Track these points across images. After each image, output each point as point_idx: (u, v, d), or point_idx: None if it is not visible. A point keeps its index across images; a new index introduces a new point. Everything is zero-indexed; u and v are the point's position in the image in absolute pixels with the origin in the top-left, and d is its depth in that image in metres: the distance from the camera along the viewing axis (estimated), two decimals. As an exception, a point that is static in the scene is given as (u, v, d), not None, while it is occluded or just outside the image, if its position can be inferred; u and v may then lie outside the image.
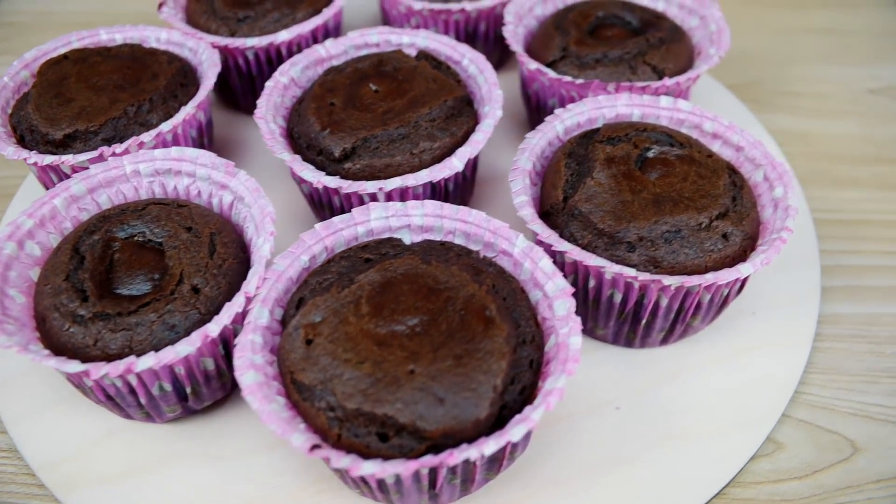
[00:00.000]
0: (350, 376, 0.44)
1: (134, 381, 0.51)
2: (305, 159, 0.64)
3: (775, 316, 0.63)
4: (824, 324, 0.65)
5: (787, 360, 0.60)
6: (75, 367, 0.47)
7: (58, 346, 0.51)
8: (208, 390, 0.54)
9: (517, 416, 0.43)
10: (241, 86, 0.81)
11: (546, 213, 0.58)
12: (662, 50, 0.72)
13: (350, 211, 0.56)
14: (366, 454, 0.43)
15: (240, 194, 0.59)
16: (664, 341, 0.60)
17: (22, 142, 0.67)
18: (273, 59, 0.78)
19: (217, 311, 0.52)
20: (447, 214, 0.55)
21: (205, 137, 0.74)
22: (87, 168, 0.62)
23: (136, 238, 0.56)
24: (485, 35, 0.85)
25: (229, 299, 0.53)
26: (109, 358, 0.50)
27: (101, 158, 0.62)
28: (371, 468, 0.41)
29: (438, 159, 0.62)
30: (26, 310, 0.54)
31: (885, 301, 0.67)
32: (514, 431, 0.42)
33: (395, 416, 0.43)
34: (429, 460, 0.41)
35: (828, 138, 0.86)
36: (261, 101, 0.66)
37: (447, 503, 0.49)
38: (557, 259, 0.56)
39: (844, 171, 0.81)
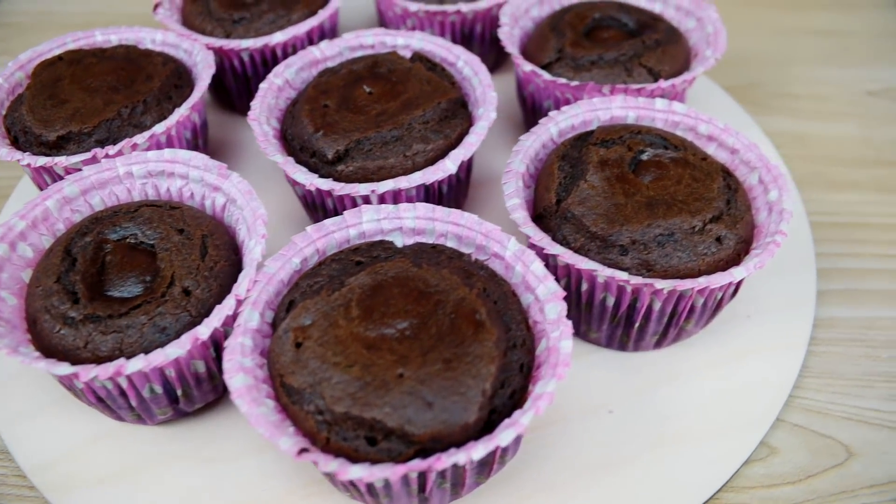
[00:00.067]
0: (339, 380, 0.44)
1: (124, 384, 0.50)
2: (299, 161, 0.64)
3: (770, 319, 0.63)
4: (820, 327, 0.65)
5: (781, 364, 0.60)
6: (65, 369, 0.47)
7: (49, 348, 0.51)
8: (199, 393, 0.54)
9: (506, 421, 0.43)
10: (236, 87, 0.81)
11: (539, 216, 0.58)
12: (658, 52, 0.72)
13: (343, 213, 0.56)
14: (354, 458, 0.43)
15: (232, 196, 0.59)
16: (658, 345, 0.60)
17: (16, 143, 0.67)
18: (268, 61, 0.78)
19: (208, 313, 0.52)
20: (439, 217, 0.55)
21: (199, 139, 0.73)
22: (80, 170, 0.62)
23: (128, 240, 0.56)
24: (481, 37, 0.85)
25: (221, 302, 0.53)
26: (100, 360, 0.50)
27: (94, 160, 0.62)
28: (359, 472, 0.40)
29: (432, 161, 0.62)
30: (18, 312, 0.54)
31: (881, 305, 0.67)
32: (503, 436, 0.42)
33: (383, 419, 0.43)
34: (417, 464, 0.41)
35: (826, 140, 0.85)
36: (254, 103, 0.66)
37: (437, 507, 0.49)
38: (550, 262, 0.56)
39: (842, 174, 0.81)
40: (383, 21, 0.90)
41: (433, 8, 0.80)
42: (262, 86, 0.68)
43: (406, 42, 0.74)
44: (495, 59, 0.90)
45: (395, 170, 0.61)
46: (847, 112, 0.89)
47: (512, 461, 0.54)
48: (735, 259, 0.55)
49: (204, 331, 0.49)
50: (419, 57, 0.70)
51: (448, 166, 0.60)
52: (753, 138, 0.82)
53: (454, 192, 0.68)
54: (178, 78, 0.72)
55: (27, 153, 0.64)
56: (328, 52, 0.74)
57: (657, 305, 0.54)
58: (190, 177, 0.61)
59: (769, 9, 1.09)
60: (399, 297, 0.48)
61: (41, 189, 0.69)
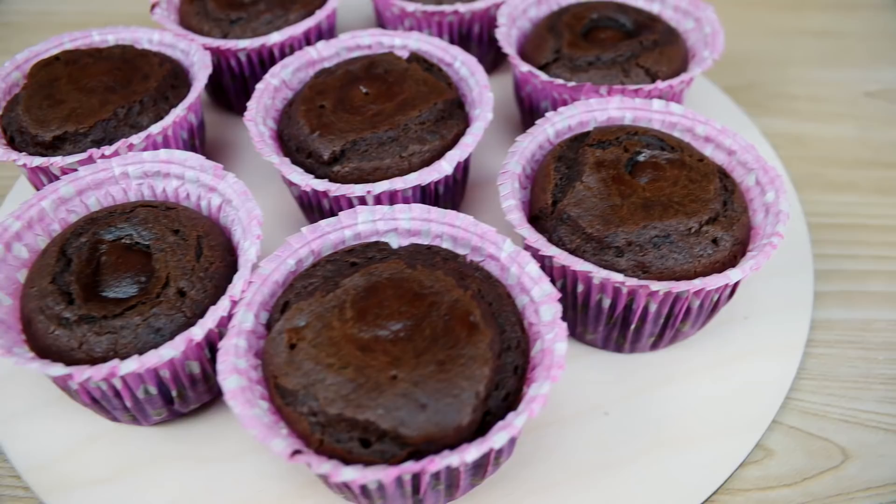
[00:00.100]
0: (332, 381, 0.44)
1: (119, 385, 0.50)
2: (295, 162, 0.64)
3: (767, 321, 0.63)
4: (817, 329, 0.65)
5: (778, 366, 0.59)
6: (58, 370, 0.47)
7: (43, 349, 0.51)
8: (194, 394, 0.54)
9: (500, 423, 0.43)
10: (234, 87, 0.81)
11: (535, 217, 0.58)
12: (656, 53, 0.72)
13: (338, 214, 0.56)
14: (348, 460, 0.43)
15: (228, 197, 0.59)
16: (654, 346, 0.60)
17: (12, 143, 0.67)
18: (265, 61, 0.78)
19: (203, 314, 0.52)
20: (434, 218, 0.55)
21: (196, 139, 0.73)
22: (76, 170, 0.62)
23: (123, 240, 0.56)
24: (478, 37, 0.85)
25: (216, 303, 0.53)
26: (94, 361, 0.50)
27: (90, 160, 0.62)
28: (351, 474, 0.40)
29: (428, 162, 0.62)
30: (13, 312, 0.54)
31: (879, 306, 0.67)
32: (496, 438, 0.42)
33: (376, 421, 0.42)
34: (410, 467, 0.40)
35: (824, 141, 0.85)
36: (251, 104, 0.66)
37: (432, 509, 0.49)
38: (546, 264, 0.56)
39: (840, 175, 0.81)
40: (381, 21, 0.90)
41: (431, 8, 0.80)
42: (259, 86, 0.68)
43: (403, 42, 0.74)
44: (493, 59, 0.89)
45: (392, 171, 0.61)
46: (845, 113, 0.89)
47: (507, 462, 0.54)
48: (731, 261, 0.55)
49: (198, 332, 0.49)
50: (416, 57, 0.70)
51: (444, 167, 0.60)
52: (751, 139, 0.81)
53: (451, 193, 0.67)
54: (174, 78, 0.72)
55: (23, 153, 0.64)
56: (325, 53, 0.74)
57: (653, 307, 0.54)
58: (186, 177, 0.61)
59: (768, 9, 1.08)
60: (393, 298, 0.47)
61: (37, 189, 0.69)
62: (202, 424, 0.56)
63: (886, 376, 0.61)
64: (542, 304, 0.49)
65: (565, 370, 0.59)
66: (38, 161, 0.62)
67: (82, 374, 0.47)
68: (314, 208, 0.66)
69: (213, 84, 0.82)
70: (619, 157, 0.58)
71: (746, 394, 0.57)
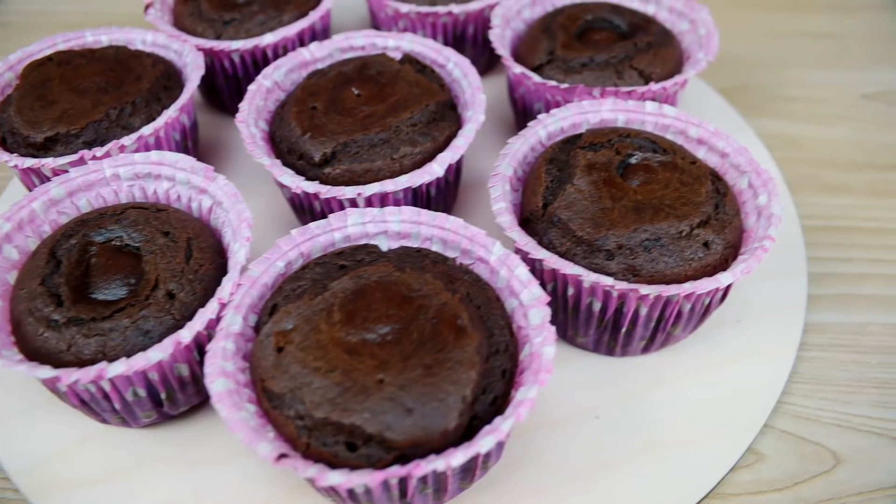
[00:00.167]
0: (319, 385, 0.44)
1: (107, 387, 0.50)
2: (286, 163, 0.64)
3: (760, 324, 0.62)
4: (810, 332, 0.64)
5: (770, 370, 0.59)
6: (46, 372, 0.47)
7: (32, 351, 0.51)
8: (184, 396, 0.54)
9: (487, 427, 0.43)
10: (227, 88, 0.81)
11: (526, 220, 0.58)
12: (650, 54, 0.72)
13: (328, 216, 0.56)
14: (334, 464, 0.43)
15: (218, 199, 0.59)
16: (645, 350, 0.59)
17: (4, 144, 0.67)
18: (259, 62, 0.78)
19: (192, 316, 0.52)
20: (424, 221, 0.54)
21: (189, 140, 0.73)
22: (67, 171, 0.62)
23: (113, 242, 0.56)
24: (473, 38, 0.85)
25: (205, 305, 0.53)
26: (83, 363, 0.50)
27: (81, 162, 0.62)
28: (337, 479, 0.40)
29: (419, 164, 0.62)
30: (2, 314, 0.54)
31: (872, 310, 0.66)
32: (483, 443, 0.41)
33: (362, 425, 0.42)
34: (395, 471, 0.40)
35: (820, 143, 0.85)
36: (243, 105, 0.66)
37: (420, 513, 0.49)
38: (536, 267, 0.56)
39: (835, 177, 0.80)
40: (375, 22, 0.90)
41: (425, 9, 0.80)
42: (251, 87, 0.68)
43: (396, 44, 0.74)
44: (488, 60, 0.89)
45: (383, 172, 0.61)
46: (841, 115, 0.89)
47: (497, 466, 0.53)
48: (722, 264, 0.55)
49: (186, 334, 0.49)
50: (409, 59, 0.70)
51: (435, 169, 0.60)
52: (746, 141, 0.81)
53: (442, 195, 0.67)
54: (167, 79, 0.71)
55: (15, 154, 0.64)
56: (318, 54, 0.73)
57: (644, 311, 0.54)
58: (176, 179, 0.61)
59: (764, 11, 1.08)
60: (381, 301, 0.47)
61: (30, 190, 0.69)
62: (192, 427, 0.56)
63: (880, 380, 0.61)
64: (531, 307, 0.49)
65: (556, 373, 0.59)
66: (29, 162, 0.62)
67: (70, 376, 0.47)
68: (306, 210, 0.66)
69: (207, 85, 0.82)
70: (611, 160, 0.58)
71: (738, 397, 0.57)
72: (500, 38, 0.76)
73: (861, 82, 0.94)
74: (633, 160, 0.59)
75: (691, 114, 0.65)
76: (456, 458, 0.41)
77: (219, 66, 0.79)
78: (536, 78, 0.69)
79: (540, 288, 0.50)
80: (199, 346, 0.53)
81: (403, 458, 0.43)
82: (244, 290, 0.51)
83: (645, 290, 0.50)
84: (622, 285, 0.50)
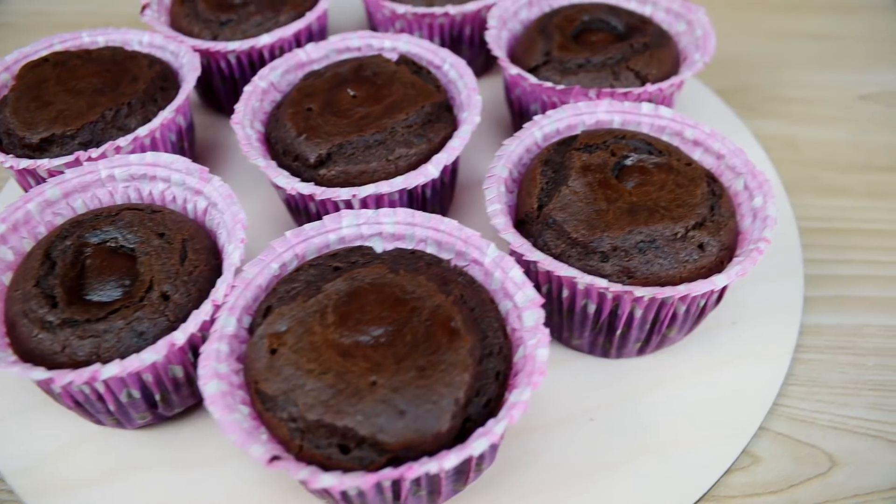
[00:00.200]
0: (312, 387, 0.44)
1: (101, 389, 0.50)
2: (281, 165, 0.63)
3: (756, 326, 0.62)
4: (806, 334, 0.64)
5: (766, 372, 0.59)
6: (39, 374, 0.47)
7: (26, 353, 0.51)
8: (178, 398, 0.54)
9: (480, 430, 0.43)
10: (224, 89, 0.81)
11: (521, 222, 0.58)
12: (646, 55, 0.72)
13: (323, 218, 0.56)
14: (327, 466, 0.43)
15: (213, 200, 0.58)
16: (641, 352, 0.59)
17: (0, 145, 0.67)
18: (255, 63, 0.78)
19: (186, 318, 0.52)
20: (419, 222, 0.54)
21: (185, 142, 0.73)
22: (62, 172, 0.62)
23: (108, 244, 0.56)
24: (469, 39, 0.85)
25: (199, 307, 0.52)
26: (77, 364, 0.50)
27: (77, 163, 0.62)
28: (329, 481, 0.40)
29: (415, 166, 0.62)
30: (-3, 316, 0.54)
31: (869, 312, 0.66)
32: (476, 445, 0.41)
33: (355, 428, 0.42)
34: (388, 473, 0.40)
35: (817, 145, 0.85)
36: (238, 106, 0.66)
37: (414, 515, 0.49)
38: (531, 269, 0.56)
39: (833, 179, 0.80)
40: (372, 23, 0.90)
41: (421, 10, 0.80)
42: (247, 88, 0.68)
43: (393, 45, 0.74)
44: (484, 61, 0.89)
45: (378, 174, 0.61)
46: (839, 116, 0.89)
47: (492, 468, 0.53)
48: (718, 266, 0.55)
49: (180, 336, 0.49)
50: (405, 60, 0.70)
51: (430, 171, 0.60)
52: (743, 142, 0.81)
53: (438, 197, 0.67)
54: (163, 80, 0.71)
55: (11, 155, 0.64)
56: (314, 55, 0.73)
57: (639, 313, 0.54)
58: (172, 180, 0.61)
59: (761, 11, 1.08)
60: (375, 303, 0.47)
61: (26, 191, 0.69)
62: (187, 428, 0.56)
63: (876, 382, 0.61)
64: (525, 309, 0.49)
65: (551, 375, 0.59)
66: (24, 163, 0.62)
67: (64, 378, 0.47)
68: (301, 211, 0.66)
69: (204, 86, 0.82)
70: (606, 161, 0.58)
71: (734, 400, 0.57)
72: (497, 40, 0.76)
73: (859, 83, 0.94)
74: (628, 162, 0.59)
75: (688, 115, 0.64)
76: (449, 460, 0.41)
77: (215, 67, 0.79)
78: (533, 79, 0.69)
79: (534, 290, 0.49)
80: (194, 348, 0.53)
81: (396, 461, 0.43)
82: (238, 292, 0.51)
83: (639, 292, 0.50)
84: (617, 287, 0.50)
